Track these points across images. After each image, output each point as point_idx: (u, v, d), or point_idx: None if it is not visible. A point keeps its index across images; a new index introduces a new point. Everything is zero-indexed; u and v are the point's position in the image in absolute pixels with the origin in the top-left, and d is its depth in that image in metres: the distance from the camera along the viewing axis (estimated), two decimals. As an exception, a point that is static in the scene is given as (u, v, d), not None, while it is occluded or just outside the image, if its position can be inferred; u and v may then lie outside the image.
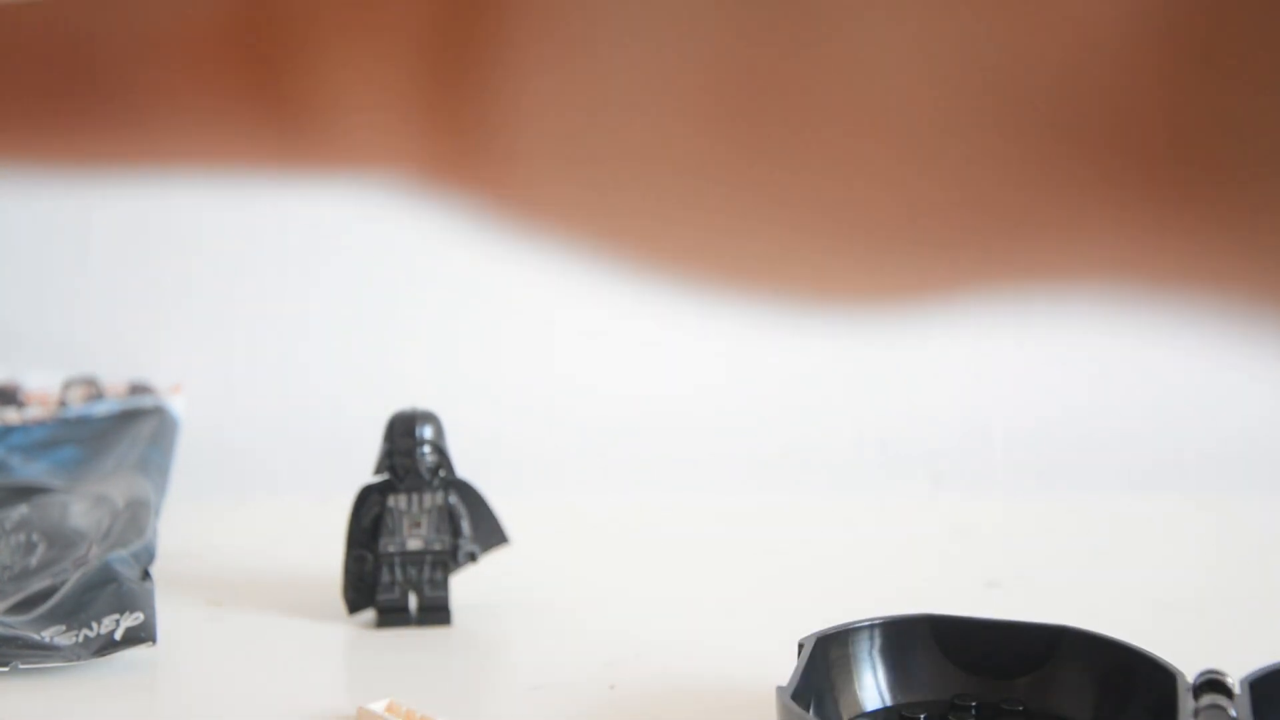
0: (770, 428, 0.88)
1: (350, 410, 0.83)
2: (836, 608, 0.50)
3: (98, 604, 0.56)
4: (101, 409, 0.81)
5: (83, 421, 0.80)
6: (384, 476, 0.61)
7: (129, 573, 0.58)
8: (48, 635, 0.55)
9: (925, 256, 0.11)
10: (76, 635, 0.55)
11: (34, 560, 0.64)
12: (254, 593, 0.64)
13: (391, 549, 0.60)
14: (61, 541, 0.65)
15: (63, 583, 0.58)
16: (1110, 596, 0.64)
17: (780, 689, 0.43)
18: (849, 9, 0.10)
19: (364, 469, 0.61)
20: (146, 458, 0.75)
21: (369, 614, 0.61)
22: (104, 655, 0.54)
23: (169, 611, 0.58)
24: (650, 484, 0.84)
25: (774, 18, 0.10)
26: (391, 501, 0.60)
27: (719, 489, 0.84)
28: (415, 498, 0.60)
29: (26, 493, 0.71)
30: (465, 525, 0.61)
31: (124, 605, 0.56)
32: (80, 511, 0.68)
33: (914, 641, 0.49)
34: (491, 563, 0.62)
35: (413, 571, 0.60)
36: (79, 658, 0.54)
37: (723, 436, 0.87)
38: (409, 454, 0.60)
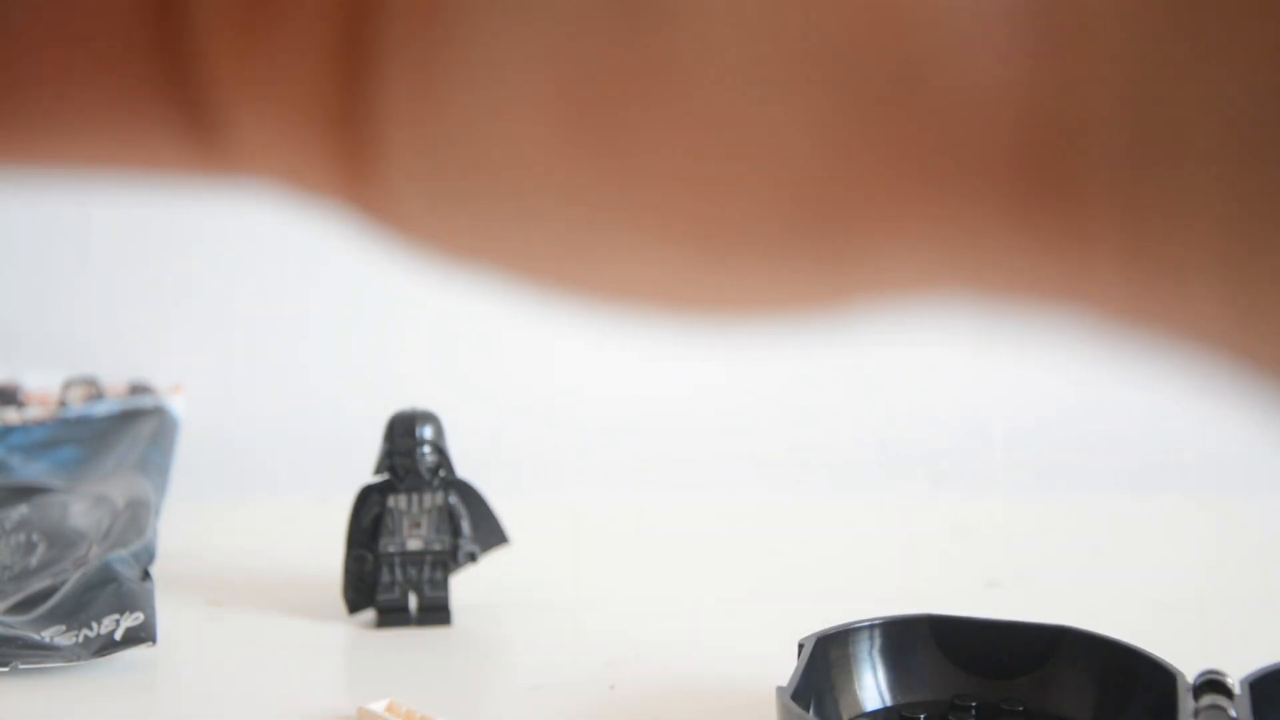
0: (770, 428, 0.88)
1: (350, 410, 0.83)
2: (836, 608, 0.50)
3: (98, 604, 0.56)
4: (101, 409, 0.81)
5: (83, 421, 0.80)
6: (384, 476, 0.61)
7: (129, 573, 0.58)
8: (48, 635, 0.55)
9: (771, 266, 0.11)
10: (76, 635, 0.55)
11: (34, 560, 0.64)
12: (254, 593, 0.64)
13: (391, 549, 0.60)
14: (61, 541, 0.65)
15: (63, 583, 0.58)
16: (1110, 596, 0.64)
17: (780, 689, 0.43)
18: (686, 13, 0.10)
19: (364, 469, 0.61)
20: (146, 458, 0.75)
21: (369, 614, 0.61)
22: (104, 655, 0.54)
23: (169, 611, 0.58)
24: (650, 484, 0.84)
25: (615, 28, 0.10)
26: (391, 501, 0.60)
27: (719, 489, 0.84)
28: (415, 498, 0.60)
29: (26, 493, 0.71)
30: (465, 525, 0.61)
31: (124, 605, 0.56)
32: (80, 511, 0.68)
33: (914, 641, 0.49)
34: (491, 563, 0.62)
35: (413, 571, 0.60)
36: (79, 658, 0.54)
37: (723, 436, 0.87)
38: (409, 454, 0.60)
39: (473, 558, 0.61)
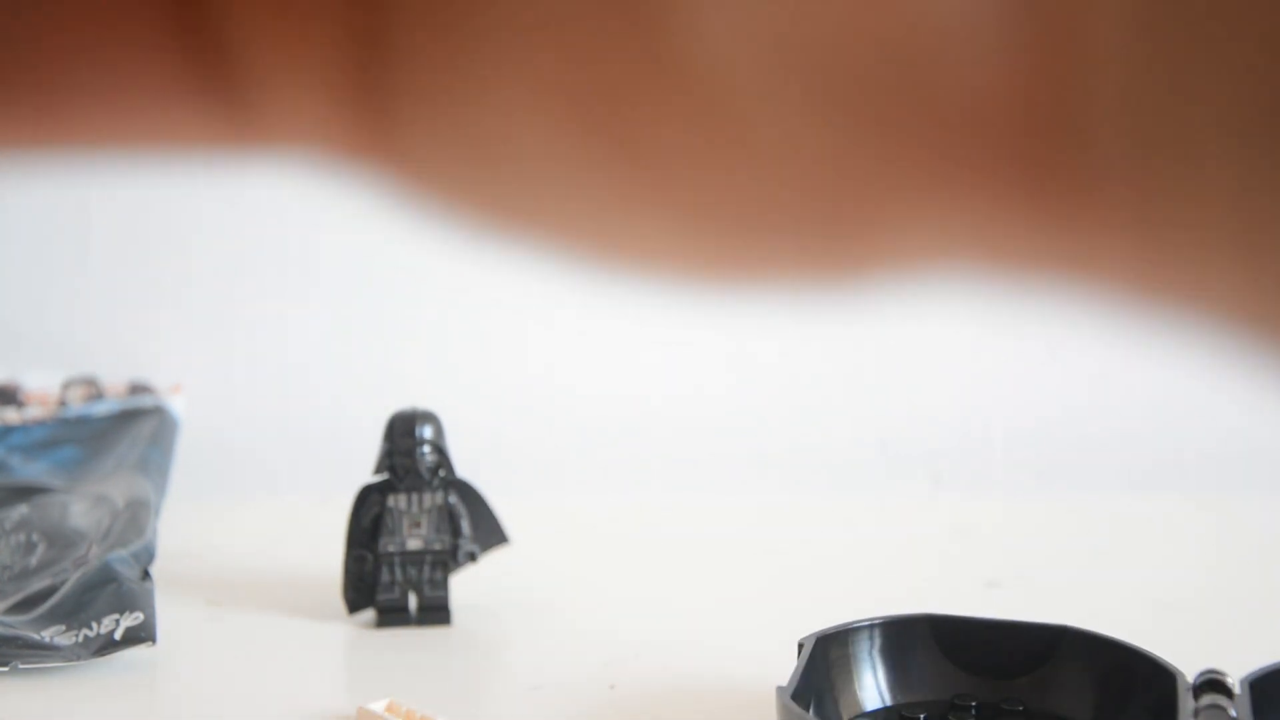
0: (770, 428, 0.88)
1: (350, 410, 0.83)
2: (836, 608, 0.50)
3: (98, 604, 0.56)
4: (101, 409, 0.81)
5: (83, 421, 0.80)
6: (384, 476, 0.61)
7: (129, 573, 0.58)
8: (48, 635, 0.55)
9: (781, 237, 0.11)
10: (76, 635, 0.55)
11: (34, 560, 0.64)
12: (254, 593, 0.64)
13: (391, 549, 0.60)
14: (61, 541, 0.65)
15: (63, 583, 0.58)
16: (1110, 596, 0.64)
17: (780, 689, 0.43)
18: None
19: (364, 469, 0.61)
20: (146, 458, 0.75)
21: (369, 614, 0.61)
22: (104, 655, 0.54)
23: (169, 611, 0.58)
24: (650, 484, 0.84)
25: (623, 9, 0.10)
26: (391, 501, 0.60)
27: (719, 489, 0.84)
28: (415, 498, 0.60)
29: (26, 493, 0.71)
30: (465, 525, 0.61)
31: (124, 605, 0.56)
32: (80, 511, 0.68)
33: (914, 641, 0.49)
34: (491, 563, 0.62)
35: (413, 571, 0.60)
36: (79, 658, 0.54)
37: (723, 436, 0.87)
38: (409, 454, 0.60)
39: (473, 557, 0.61)
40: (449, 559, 0.61)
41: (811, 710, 0.45)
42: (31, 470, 0.76)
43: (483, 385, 0.87)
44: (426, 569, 0.60)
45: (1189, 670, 0.44)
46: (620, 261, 0.12)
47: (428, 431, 0.60)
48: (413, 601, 0.60)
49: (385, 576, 0.60)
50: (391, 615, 0.60)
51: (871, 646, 0.49)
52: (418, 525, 0.60)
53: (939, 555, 0.73)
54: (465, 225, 0.12)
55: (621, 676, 0.54)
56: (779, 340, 0.87)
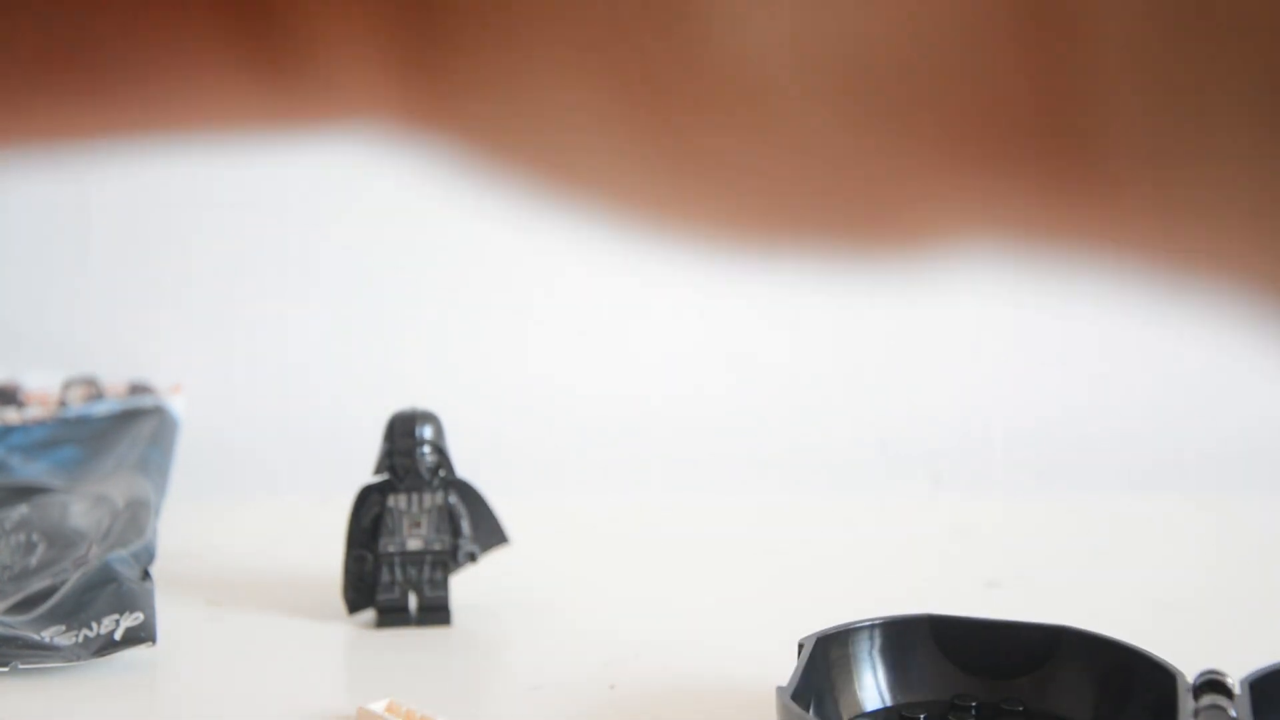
0: (770, 428, 0.88)
1: (350, 410, 0.83)
2: (837, 608, 0.50)
3: (98, 604, 0.56)
4: (101, 409, 0.81)
5: (83, 421, 0.80)
6: (384, 476, 0.61)
7: (129, 573, 0.58)
8: (48, 635, 0.55)
9: (806, 215, 0.11)
10: (76, 635, 0.55)
11: (34, 560, 0.64)
12: (254, 593, 0.64)
13: (391, 549, 0.60)
14: (61, 541, 0.65)
15: (63, 583, 0.58)
16: (1110, 596, 0.64)
17: (780, 689, 0.43)
18: None
19: (364, 469, 0.61)
20: (146, 458, 0.75)
21: (369, 614, 0.61)
22: (104, 655, 0.54)
23: (169, 611, 0.58)
24: (650, 484, 0.84)
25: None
26: (391, 501, 0.60)
27: (719, 489, 0.84)
28: (415, 498, 0.60)
29: (26, 493, 0.71)
30: (465, 525, 0.61)
31: (124, 605, 0.56)
32: (80, 511, 0.68)
33: (914, 641, 0.49)
34: (491, 563, 0.62)
35: (413, 571, 0.60)
36: (79, 658, 0.54)
37: (723, 436, 0.87)
38: (409, 454, 0.60)
39: (473, 558, 0.61)
40: (449, 559, 0.61)
41: (811, 710, 0.45)
42: (31, 470, 0.76)
43: (483, 385, 0.87)
44: (426, 569, 0.60)
45: (1189, 670, 0.44)
46: (662, 226, 0.12)
47: (428, 431, 0.60)
48: (413, 601, 0.60)
49: (385, 576, 0.60)
50: (391, 615, 0.60)
51: (871, 646, 0.49)
52: (418, 525, 0.60)
53: (939, 555, 0.73)
54: (518, 190, 0.12)
55: (621, 676, 0.54)
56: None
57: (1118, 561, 0.71)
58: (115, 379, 0.84)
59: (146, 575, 0.59)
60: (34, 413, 0.81)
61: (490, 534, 0.61)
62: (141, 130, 0.13)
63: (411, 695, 0.50)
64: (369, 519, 0.61)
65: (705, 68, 0.10)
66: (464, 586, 0.62)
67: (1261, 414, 0.87)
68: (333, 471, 0.69)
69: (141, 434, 0.78)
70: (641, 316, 0.90)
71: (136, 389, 0.83)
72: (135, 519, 0.64)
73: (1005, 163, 0.10)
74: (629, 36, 0.10)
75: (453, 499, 0.61)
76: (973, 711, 0.48)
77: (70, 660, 0.54)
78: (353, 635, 0.60)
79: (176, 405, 0.81)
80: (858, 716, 0.47)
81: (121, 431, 0.79)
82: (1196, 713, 0.42)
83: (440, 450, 0.61)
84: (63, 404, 0.82)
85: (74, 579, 0.58)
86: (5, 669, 0.53)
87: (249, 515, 0.78)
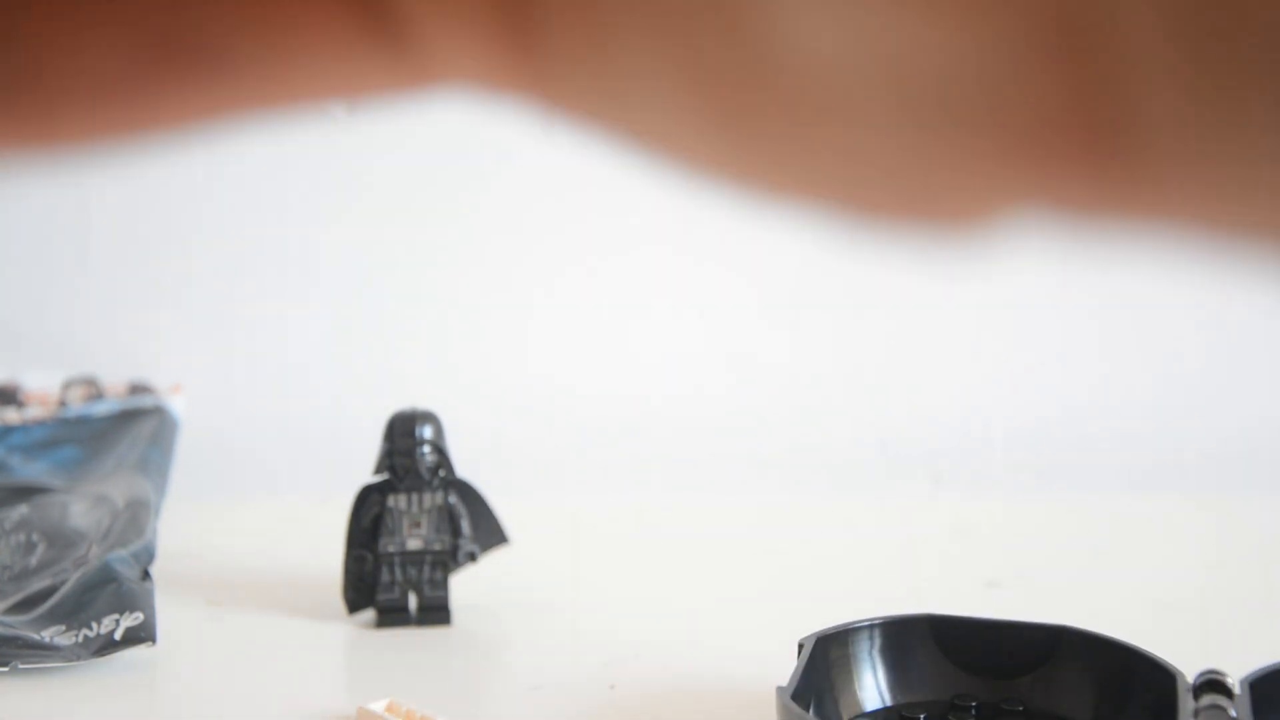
0: (770, 428, 0.88)
1: (350, 410, 0.83)
2: (837, 608, 0.50)
3: (98, 604, 0.56)
4: (101, 409, 0.81)
5: (83, 421, 0.80)
6: (384, 476, 0.61)
7: (129, 573, 0.58)
8: (48, 635, 0.55)
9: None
10: (76, 635, 0.55)
11: (34, 560, 0.64)
12: (254, 593, 0.64)
13: (391, 549, 0.60)
14: (61, 541, 0.65)
15: (63, 583, 0.58)
16: (1110, 596, 0.64)
17: (780, 689, 0.43)
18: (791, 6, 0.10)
19: (364, 469, 0.61)
20: (146, 458, 0.75)
21: (369, 614, 0.61)
22: (104, 655, 0.54)
23: (169, 611, 0.58)
24: (650, 484, 0.84)
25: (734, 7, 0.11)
26: (391, 501, 0.60)
27: (719, 489, 0.84)
28: (415, 498, 0.60)
29: (26, 493, 0.71)
30: (465, 525, 0.61)
31: (124, 605, 0.56)
32: (80, 511, 0.68)
33: (914, 641, 0.49)
34: (491, 563, 0.62)
35: (413, 571, 0.60)
36: (79, 658, 0.54)
37: (723, 436, 0.87)
38: (409, 454, 0.60)
39: (473, 558, 0.61)
40: (449, 559, 0.61)
41: (811, 710, 0.45)
42: (31, 470, 0.76)
43: (483, 385, 0.87)
44: (426, 569, 0.60)
45: (1189, 670, 0.44)
46: (737, 183, 0.12)
47: (428, 431, 0.60)
48: (413, 601, 0.60)
49: (385, 576, 0.60)
50: (391, 615, 0.60)
51: (871, 646, 0.49)
52: (418, 525, 0.60)
53: (939, 555, 0.73)
54: (605, 148, 0.13)
55: (621, 676, 0.54)
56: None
57: (1118, 561, 0.71)
58: (115, 379, 0.84)
59: (146, 575, 0.59)
60: (34, 413, 0.81)
61: (490, 534, 0.62)
62: (269, 106, 0.13)
63: (411, 695, 0.50)
64: (369, 519, 0.61)
65: (767, 53, 0.11)
66: (464, 586, 0.62)
67: (1261, 414, 0.87)
68: (333, 471, 0.69)
69: (141, 434, 0.78)
70: (642, 316, 0.90)
71: (136, 389, 0.83)
72: (135, 519, 0.64)
73: (1051, 149, 0.10)
74: (702, 18, 0.11)
75: (453, 499, 0.61)
76: (973, 711, 0.48)
77: (70, 660, 0.54)
78: (353, 635, 0.60)
79: (176, 405, 0.81)
80: (858, 716, 0.47)
81: (121, 431, 0.79)
82: (1196, 713, 0.42)
83: (440, 450, 0.61)
84: (63, 404, 0.82)
85: (74, 579, 0.58)
86: (5, 669, 0.53)
87: (249, 515, 0.78)
